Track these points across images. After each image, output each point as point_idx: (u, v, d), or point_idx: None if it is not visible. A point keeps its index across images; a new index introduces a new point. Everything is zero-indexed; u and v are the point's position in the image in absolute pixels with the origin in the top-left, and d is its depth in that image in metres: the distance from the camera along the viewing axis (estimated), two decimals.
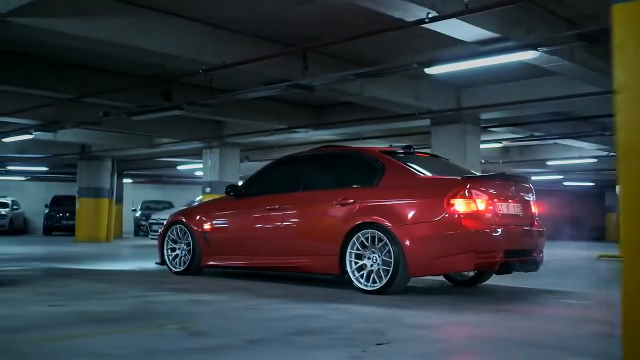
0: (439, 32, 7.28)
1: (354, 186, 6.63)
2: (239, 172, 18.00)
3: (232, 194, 7.72)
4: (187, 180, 31.16)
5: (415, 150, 7.07)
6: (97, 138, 18.06)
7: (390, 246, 5.97)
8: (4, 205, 27.13)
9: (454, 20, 6.68)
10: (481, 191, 5.97)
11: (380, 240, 6.08)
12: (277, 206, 7.08)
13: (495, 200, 6.07)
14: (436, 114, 12.17)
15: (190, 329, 4.30)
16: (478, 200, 5.90)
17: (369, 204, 6.26)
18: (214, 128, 16.89)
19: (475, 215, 5.85)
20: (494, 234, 5.91)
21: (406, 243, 5.91)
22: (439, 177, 6.36)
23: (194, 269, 7.88)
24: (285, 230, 6.98)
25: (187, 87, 12.02)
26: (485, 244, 5.87)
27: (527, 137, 15.99)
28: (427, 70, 8.51)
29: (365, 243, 6.17)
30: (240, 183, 9.55)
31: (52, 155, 20.55)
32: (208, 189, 17.07)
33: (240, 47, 8.99)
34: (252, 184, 7.85)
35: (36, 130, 14.30)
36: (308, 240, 6.75)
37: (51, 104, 12.32)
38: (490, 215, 5.97)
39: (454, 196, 5.86)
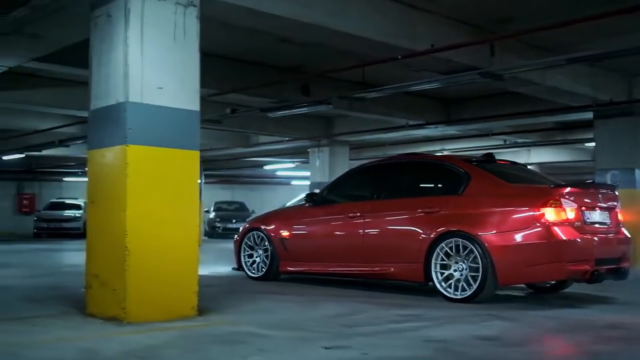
0: None
1: (438, 195, 6.76)
2: None
3: (310, 201, 7.90)
4: (260, 180, 30.26)
5: (497, 159, 7.14)
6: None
7: (477, 255, 6.02)
8: (77, 207, 26.39)
9: None
10: (571, 200, 6.02)
11: (465, 248, 6.14)
12: (358, 213, 7.14)
13: (584, 208, 6.13)
14: (608, 106, 10.81)
15: None
16: (568, 209, 5.95)
17: (454, 213, 6.35)
18: (323, 125, 15.82)
19: (565, 224, 5.92)
20: (584, 242, 5.97)
21: (495, 252, 5.96)
22: (528, 185, 6.52)
23: (272, 274, 8.06)
24: (367, 238, 7.04)
25: (326, 80, 10.95)
26: (575, 252, 5.93)
27: None
28: None
29: (450, 252, 6.23)
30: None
31: None
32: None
33: (432, 30, 7.80)
34: (331, 191, 8.02)
35: None
36: (392, 248, 6.79)
37: None
38: (579, 223, 6.01)
39: (545, 205, 5.92)
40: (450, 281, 6.24)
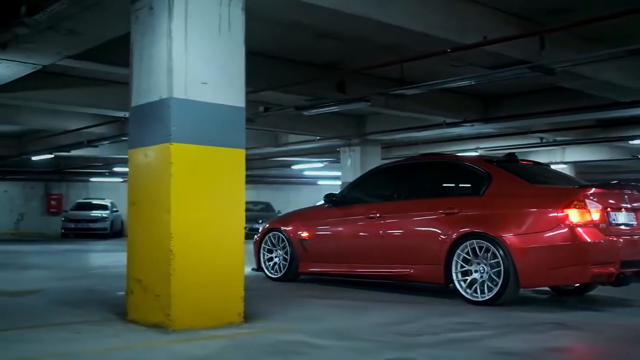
0: None
1: (459, 195, 6.66)
2: None
3: (330, 202, 7.81)
4: (286, 180, 30.02)
5: (520, 159, 7.01)
6: None
7: (499, 257, 5.93)
8: (104, 207, 26.34)
9: None
10: (595, 200, 5.89)
11: (487, 250, 6.05)
12: (377, 214, 7.07)
13: (609, 209, 5.99)
14: None
15: None
16: (592, 210, 5.83)
17: (475, 214, 6.27)
18: (354, 124, 15.51)
19: (589, 226, 5.80)
20: (609, 244, 5.84)
21: (517, 254, 5.86)
22: (551, 186, 6.39)
23: (292, 275, 8.01)
24: (386, 239, 6.98)
25: (361, 78, 10.66)
26: (600, 255, 5.81)
27: None
28: None
29: (471, 254, 6.15)
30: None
31: None
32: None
33: (481, 22, 7.46)
34: (350, 192, 7.95)
35: None
36: (412, 249, 6.72)
37: None
38: (604, 225, 5.88)
39: (568, 206, 5.81)
40: (472, 283, 6.16)
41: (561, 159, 19.78)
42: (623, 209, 6.16)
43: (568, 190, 6.17)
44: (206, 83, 5.17)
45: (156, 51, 5.15)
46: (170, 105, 4.99)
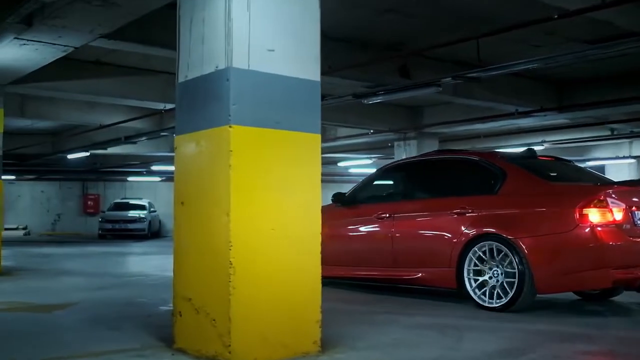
0: None
1: (471, 194, 6.25)
2: None
3: (338, 201, 7.44)
4: (327, 178, 28.91)
5: (539, 155, 6.61)
6: None
7: (514, 260, 5.62)
8: (142, 207, 25.61)
9: None
10: (618, 199, 5.51)
11: (500, 252, 5.76)
12: (387, 215, 6.77)
13: (635, 208, 5.60)
14: None
15: None
16: (615, 210, 5.47)
17: (488, 214, 5.97)
18: (410, 116, 14.36)
19: (611, 226, 5.44)
20: (634, 246, 5.51)
21: (532, 257, 5.54)
22: (569, 184, 6.02)
23: None
24: (396, 241, 6.68)
25: (426, 62, 9.53)
26: (624, 258, 5.47)
27: None
28: None
29: (484, 256, 5.85)
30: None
31: None
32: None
33: None
34: (360, 191, 7.52)
35: None
36: (422, 252, 6.44)
37: None
38: (629, 225, 5.51)
39: (587, 205, 5.45)
40: (484, 288, 5.84)
41: (628, 153, 18.37)
42: None
43: (588, 187, 5.78)
44: (273, 50, 4.08)
45: (211, 12, 4.08)
46: (229, 78, 3.91)
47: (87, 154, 17.61)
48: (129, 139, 14.97)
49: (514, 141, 16.00)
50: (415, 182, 7.04)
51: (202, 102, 4.14)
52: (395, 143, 15.22)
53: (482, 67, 8.37)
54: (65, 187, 29.32)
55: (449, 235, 6.17)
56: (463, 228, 6.05)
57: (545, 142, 15.66)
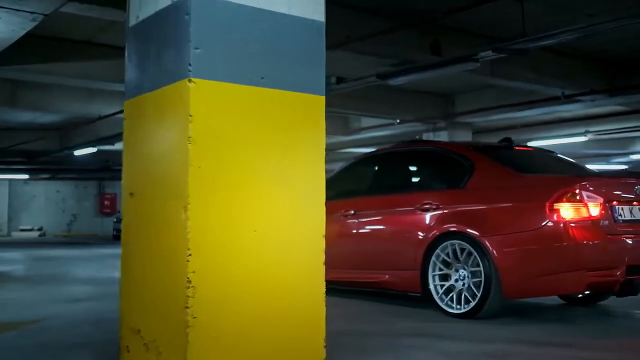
0: None
1: (437, 189, 5.87)
2: None
3: None
4: None
5: (516, 145, 6.14)
6: None
7: (480, 261, 5.12)
8: None
9: None
10: (595, 192, 4.94)
11: (465, 252, 5.26)
12: (352, 212, 6.34)
13: (616, 203, 5.01)
14: None
15: None
16: (591, 204, 4.90)
17: (453, 210, 5.47)
18: (440, 104, 13.08)
19: (587, 223, 4.88)
20: (612, 245, 4.93)
21: (499, 258, 5.02)
22: (542, 176, 5.38)
23: None
24: (360, 240, 6.30)
25: (460, 36, 8.30)
26: (600, 258, 4.90)
27: None
28: None
29: (448, 257, 5.35)
30: None
31: None
32: None
33: None
34: (331, 186, 6.45)
35: None
36: (386, 252, 5.99)
37: None
38: (607, 222, 4.93)
39: (559, 199, 4.89)
40: (448, 291, 5.39)
41: None
42: (635, 202, 5.16)
43: (560, 180, 5.19)
44: None
45: None
46: (189, 11, 2.69)
47: (95, 149, 16.60)
48: None
49: (555, 132, 14.63)
50: (383, 175, 6.59)
51: (156, 51, 2.92)
52: (424, 135, 13.96)
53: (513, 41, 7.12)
54: (80, 186, 28.56)
55: (413, 234, 5.71)
56: (428, 226, 5.61)
57: (588, 132, 14.24)
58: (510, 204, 5.24)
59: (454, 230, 5.41)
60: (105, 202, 29.04)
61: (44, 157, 19.24)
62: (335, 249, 6.46)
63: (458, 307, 5.29)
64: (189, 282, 2.60)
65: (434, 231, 5.55)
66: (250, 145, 2.82)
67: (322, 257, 3.06)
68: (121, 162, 3.20)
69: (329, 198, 6.59)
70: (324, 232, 3.07)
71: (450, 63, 7.63)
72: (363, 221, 6.30)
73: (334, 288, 6.50)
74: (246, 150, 2.80)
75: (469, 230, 5.30)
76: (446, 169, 5.94)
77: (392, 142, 16.57)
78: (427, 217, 5.66)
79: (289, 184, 2.94)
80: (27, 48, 8.60)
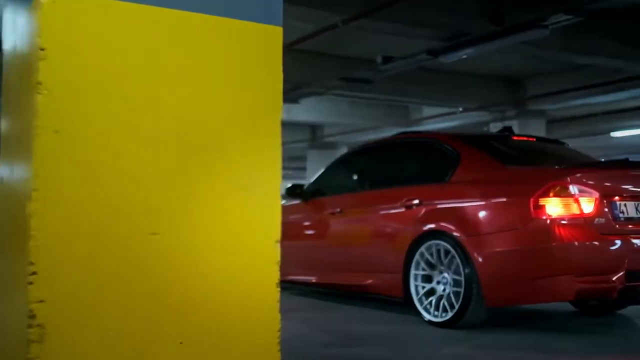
0: None
1: (421, 183, 5.35)
2: None
3: (292, 195, 6.67)
4: None
5: (516, 134, 5.67)
6: (333, 115, 13.85)
7: (460, 264, 4.67)
8: None
9: None
10: (589, 186, 4.44)
11: (448, 254, 4.87)
12: (338, 209, 6.00)
13: (615, 198, 4.51)
14: None
15: None
16: (583, 199, 4.42)
17: (436, 207, 5.04)
18: (508, 90, 11.90)
19: (577, 221, 4.38)
20: (608, 247, 4.45)
21: (480, 261, 4.56)
22: (528, 168, 4.91)
23: None
24: (348, 240, 5.92)
25: (522, 3, 7.11)
26: (592, 262, 4.42)
27: None
28: None
29: (431, 259, 4.93)
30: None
31: None
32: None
33: None
34: (319, 183, 6.70)
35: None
36: (368, 253, 5.61)
37: None
38: (603, 220, 4.41)
39: (545, 194, 4.42)
40: (430, 297, 5.00)
41: None
42: (635, 198, 4.68)
43: (547, 171, 4.76)
44: None
45: None
46: None
47: None
48: None
49: (637, 122, 13.10)
50: (371, 170, 6.25)
51: None
52: (491, 125, 12.80)
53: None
54: None
55: (396, 234, 5.39)
56: (410, 224, 5.22)
57: None
58: (493, 200, 4.80)
59: (435, 230, 5.04)
60: None
61: None
62: (319, 252, 6.23)
63: (437, 314, 4.95)
64: (32, 314, 1.59)
65: (416, 230, 5.18)
66: (153, 107, 1.79)
67: (277, 268, 2.01)
68: None
69: (319, 196, 6.42)
70: (279, 240, 2.02)
71: (512, 32, 6.43)
72: (348, 220, 6.06)
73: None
74: (135, 107, 1.76)
75: (449, 229, 4.91)
76: (433, 162, 5.59)
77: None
78: (410, 215, 5.29)
79: (224, 168, 1.89)
80: None
